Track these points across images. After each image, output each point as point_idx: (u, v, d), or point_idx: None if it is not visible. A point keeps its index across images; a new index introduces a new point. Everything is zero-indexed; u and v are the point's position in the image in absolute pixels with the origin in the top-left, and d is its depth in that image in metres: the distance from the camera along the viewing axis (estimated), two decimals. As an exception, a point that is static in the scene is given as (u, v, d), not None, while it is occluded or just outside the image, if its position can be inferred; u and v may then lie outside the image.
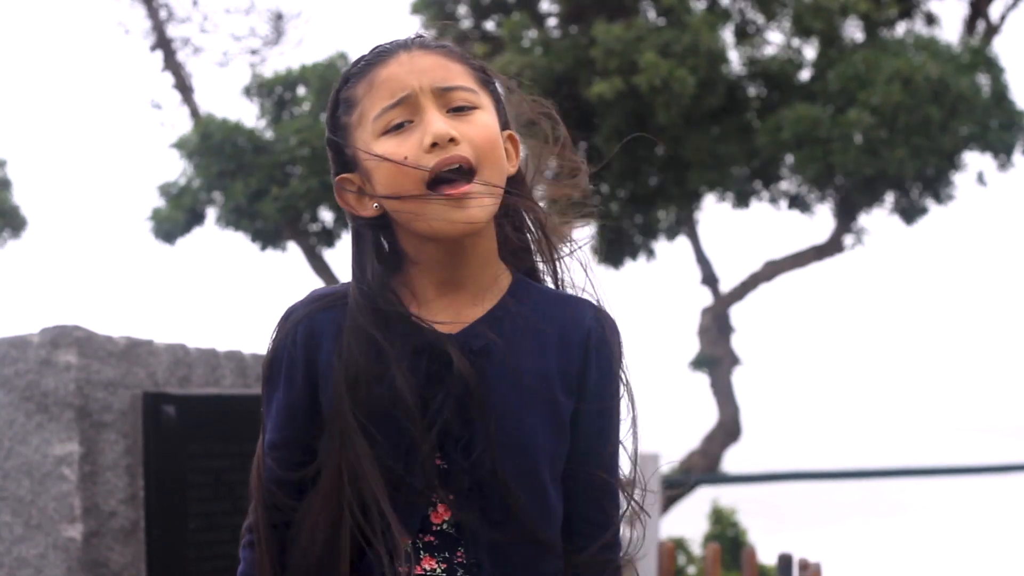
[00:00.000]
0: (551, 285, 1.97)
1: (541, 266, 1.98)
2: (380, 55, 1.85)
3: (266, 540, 1.90)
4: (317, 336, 1.86)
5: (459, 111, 1.82)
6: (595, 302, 1.93)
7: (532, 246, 1.97)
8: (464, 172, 1.79)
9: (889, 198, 12.03)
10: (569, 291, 1.96)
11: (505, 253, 1.93)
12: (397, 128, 1.81)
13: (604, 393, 1.89)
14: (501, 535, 1.81)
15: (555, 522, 1.87)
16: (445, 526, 1.83)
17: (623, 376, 1.93)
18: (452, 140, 1.78)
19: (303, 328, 1.87)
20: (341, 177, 1.88)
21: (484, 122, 1.83)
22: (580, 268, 1.97)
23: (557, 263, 1.97)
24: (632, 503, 1.96)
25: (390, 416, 1.79)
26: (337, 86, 1.90)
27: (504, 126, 1.91)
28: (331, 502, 1.81)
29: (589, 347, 1.88)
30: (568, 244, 1.98)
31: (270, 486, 1.88)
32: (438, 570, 1.83)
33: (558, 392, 1.85)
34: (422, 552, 1.83)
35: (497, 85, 1.93)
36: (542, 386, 1.84)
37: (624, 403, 1.94)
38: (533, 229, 1.96)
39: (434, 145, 1.78)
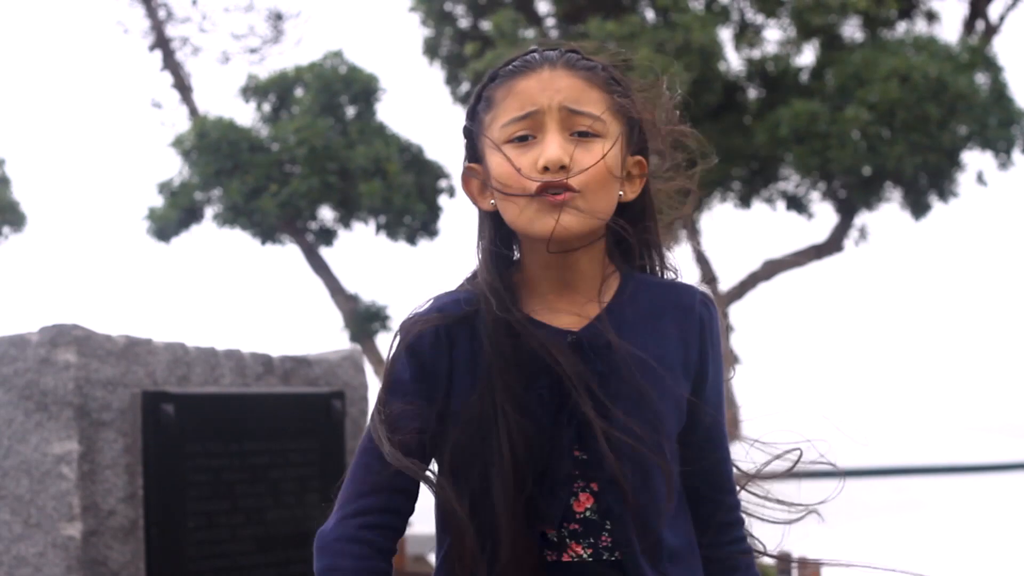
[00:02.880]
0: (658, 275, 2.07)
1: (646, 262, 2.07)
2: (527, 64, 1.94)
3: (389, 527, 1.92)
4: (443, 343, 1.93)
5: (582, 135, 1.89)
6: (697, 287, 2.03)
7: (642, 248, 2.05)
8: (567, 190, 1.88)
9: (895, 195, 12.03)
10: (683, 283, 2.04)
11: (615, 254, 2.01)
12: (520, 140, 1.89)
13: (719, 372, 2.01)
14: (643, 519, 1.89)
15: (684, 502, 1.98)
16: (588, 513, 1.90)
17: (730, 356, 2.03)
18: (563, 168, 1.86)
19: (430, 335, 1.93)
20: (469, 166, 1.98)
21: (603, 152, 1.89)
22: (678, 258, 2.07)
23: (664, 266, 2.06)
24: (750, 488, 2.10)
25: (530, 410, 1.87)
26: (484, 81, 1.98)
27: (638, 151, 1.99)
28: (509, 491, 1.86)
29: (704, 332, 1.97)
30: (674, 242, 2.10)
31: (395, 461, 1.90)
32: (584, 555, 1.90)
33: (679, 377, 1.94)
34: (568, 540, 1.90)
35: (637, 108, 2.00)
36: (666, 372, 1.92)
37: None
38: (647, 237, 2.04)
39: (546, 169, 1.86)
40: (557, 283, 1.94)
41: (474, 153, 1.99)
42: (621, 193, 1.95)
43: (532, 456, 1.86)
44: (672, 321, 1.96)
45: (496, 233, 1.96)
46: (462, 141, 2.04)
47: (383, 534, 1.89)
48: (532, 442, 1.86)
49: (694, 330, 1.97)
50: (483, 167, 1.95)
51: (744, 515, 2.08)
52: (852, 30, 11.87)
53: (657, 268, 2.05)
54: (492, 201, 1.93)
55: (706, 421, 1.98)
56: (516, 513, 1.86)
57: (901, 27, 12.16)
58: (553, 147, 1.86)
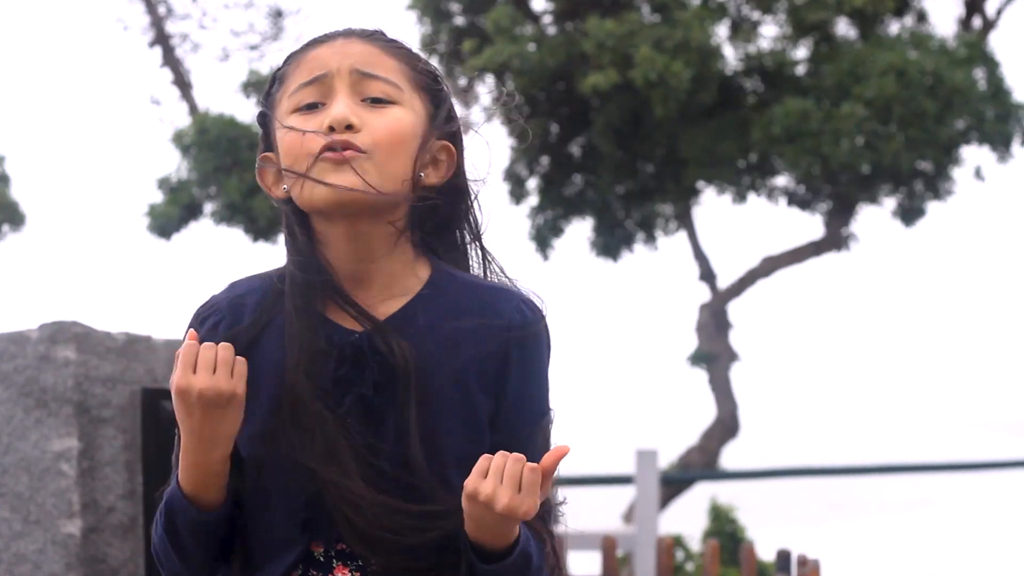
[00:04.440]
0: (480, 275, 1.92)
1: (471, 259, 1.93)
2: (320, 37, 1.85)
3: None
4: (239, 336, 1.84)
5: (375, 102, 1.79)
6: (522, 291, 1.88)
7: (460, 242, 1.92)
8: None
9: (888, 200, 12.04)
10: (499, 280, 1.91)
11: (423, 249, 1.88)
12: (309, 108, 1.79)
13: (525, 389, 1.84)
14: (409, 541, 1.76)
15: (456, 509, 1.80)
16: None
17: (545, 373, 1.87)
18: (350, 127, 1.76)
19: (224, 323, 1.86)
20: (264, 155, 1.88)
21: (396, 117, 1.79)
22: (501, 267, 1.92)
23: (488, 259, 1.92)
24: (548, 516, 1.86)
25: (296, 416, 1.78)
26: (279, 64, 1.89)
27: (445, 136, 1.86)
28: (262, 502, 1.80)
29: (510, 341, 1.82)
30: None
31: None
32: None
33: (475, 392, 1.80)
34: (335, 560, 1.80)
35: (447, 93, 1.88)
36: (455, 388, 1.79)
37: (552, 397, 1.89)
38: (465, 231, 1.92)
39: (332, 129, 1.76)
40: (352, 276, 1.82)
41: (268, 142, 1.87)
42: (422, 175, 1.82)
43: (311, 469, 1.75)
44: (474, 327, 1.81)
45: (295, 222, 1.85)
46: (258, 131, 1.91)
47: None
48: (316, 450, 1.75)
49: (498, 337, 1.81)
50: (275, 153, 1.84)
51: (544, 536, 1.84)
52: (847, 27, 11.87)
53: (478, 267, 1.91)
54: (285, 187, 1.83)
55: (498, 439, 1.80)
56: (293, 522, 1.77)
57: (895, 25, 12.16)
58: (340, 106, 1.76)
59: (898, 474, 14.32)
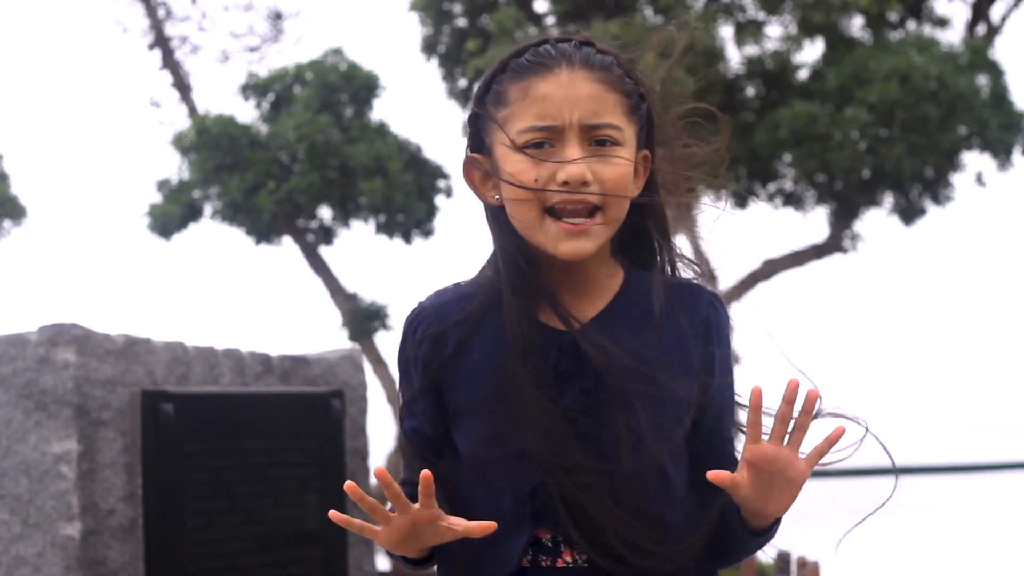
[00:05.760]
0: (669, 274, 2.03)
1: (659, 258, 2.03)
2: (543, 64, 1.89)
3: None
4: (440, 341, 1.93)
5: (600, 144, 1.87)
6: (707, 287, 2.01)
7: (654, 245, 2.02)
8: (587, 214, 1.86)
9: (888, 199, 12.03)
10: (689, 282, 2.02)
11: (619, 251, 1.98)
12: (538, 145, 1.86)
13: (726, 374, 1.97)
14: (629, 523, 1.85)
15: (681, 506, 1.91)
16: None
17: (735, 356, 2.01)
18: (585, 184, 1.84)
19: (432, 331, 1.94)
20: (472, 156, 1.95)
21: (622, 165, 1.87)
22: (695, 257, 2.06)
23: (675, 258, 2.03)
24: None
25: (520, 413, 1.86)
26: (492, 70, 1.95)
27: (646, 144, 1.95)
28: (498, 496, 1.88)
29: (709, 333, 1.94)
30: (692, 232, 2.10)
31: (419, 463, 1.94)
32: (579, 561, 1.88)
33: (680, 380, 1.90)
34: (562, 545, 1.88)
35: (650, 100, 1.96)
36: (663, 377, 1.89)
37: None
38: (655, 233, 2.02)
39: (565, 183, 1.83)
40: (558, 283, 1.92)
41: (478, 143, 1.95)
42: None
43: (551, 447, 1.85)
44: (675, 322, 1.92)
45: (509, 227, 1.93)
46: (467, 129, 2.00)
47: None
48: (554, 430, 1.85)
49: (698, 331, 1.93)
50: (488, 159, 1.93)
51: None
52: (855, 29, 11.86)
53: (667, 265, 2.02)
54: (497, 197, 1.92)
55: (707, 424, 1.95)
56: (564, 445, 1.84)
57: (907, 28, 12.15)
58: (576, 163, 1.84)
59: (899, 476, 14.29)
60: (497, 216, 1.94)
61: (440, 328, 1.93)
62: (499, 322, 1.90)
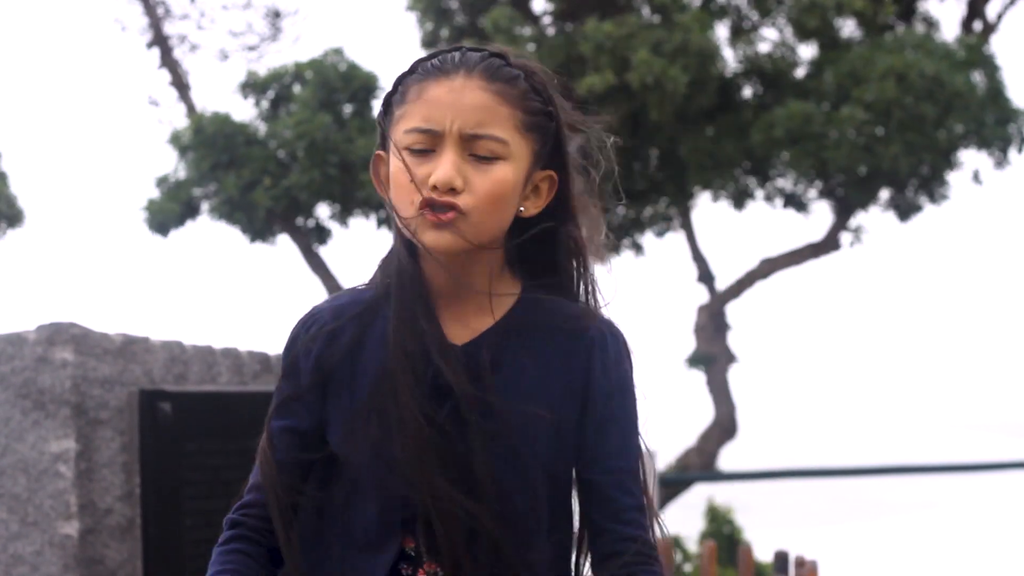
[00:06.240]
0: (579, 299, 2.00)
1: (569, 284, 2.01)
2: (443, 69, 1.89)
3: (284, 524, 1.95)
4: (335, 341, 1.93)
5: (480, 160, 1.86)
6: (603, 315, 1.97)
7: (562, 266, 1.99)
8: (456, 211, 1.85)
9: (885, 197, 12.04)
10: (583, 307, 1.98)
11: (521, 270, 1.97)
12: (420, 152, 1.86)
13: (612, 403, 1.92)
14: (495, 543, 1.86)
15: (550, 532, 1.91)
16: None
17: (631, 385, 1.95)
18: (452, 190, 1.84)
19: (326, 331, 1.94)
20: (378, 154, 1.96)
21: (499, 177, 1.86)
22: (600, 288, 2.01)
23: (588, 283, 2.00)
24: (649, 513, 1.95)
25: (402, 424, 1.86)
26: (406, 70, 1.95)
27: (550, 164, 1.93)
28: (366, 503, 1.88)
29: (592, 355, 1.91)
30: (599, 263, 2.03)
31: (282, 467, 1.96)
32: (439, 573, 1.88)
33: (561, 404, 1.89)
34: (424, 557, 1.89)
35: (560, 118, 1.95)
36: (545, 399, 1.88)
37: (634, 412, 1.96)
38: (567, 254, 1.99)
39: (435, 187, 1.83)
40: (447, 290, 1.92)
41: (385, 143, 1.95)
42: (522, 209, 1.91)
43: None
44: (560, 345, 1.91)
45: (400, 231, 1.92)
46: (377, 127, 2.00)
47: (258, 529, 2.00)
48: (425, 442, 1.84)
49: (583, 353, 1.91)
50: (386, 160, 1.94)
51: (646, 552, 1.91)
52: (849, 30, 11.86)
53: (578, 289, 1.99)
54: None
55: (588, 453, 1.91)
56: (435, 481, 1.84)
57: (898, 30, 12.15)
58: (446, 167, 1.84)
59: (897, 475, 14.33)
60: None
61: (336, 324, 1.93)
62: (387, 327, 1.90)
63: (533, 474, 1.87)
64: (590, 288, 2.00)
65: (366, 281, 1.99)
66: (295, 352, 1.96)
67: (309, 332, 1.95)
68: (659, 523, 1.95)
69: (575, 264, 1.99)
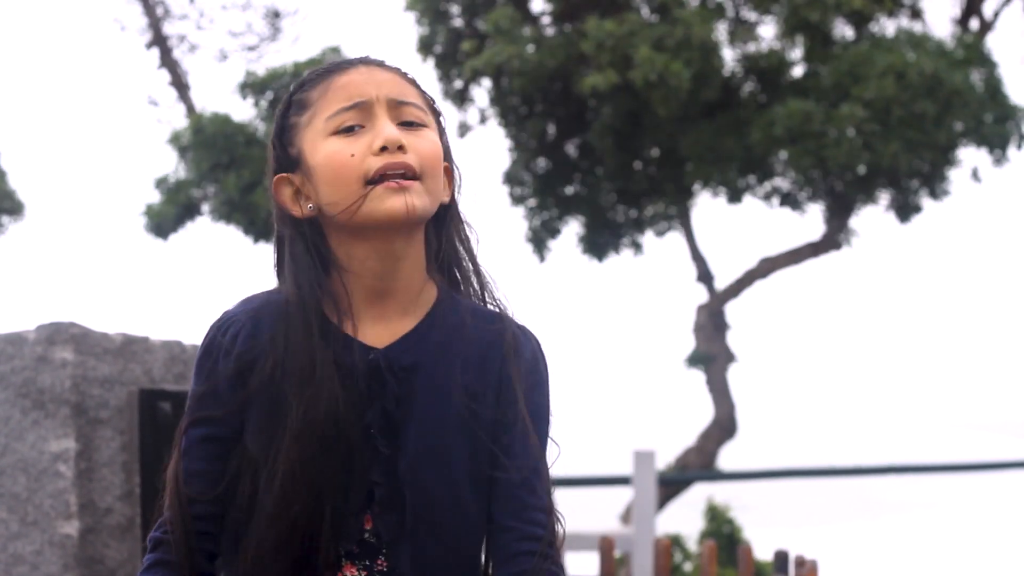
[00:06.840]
0: (478, 301, 2.02)
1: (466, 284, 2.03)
2: (339, 65, 1.94)
3: (187, 548, 1.90)
4: (255, 342, 1.91)
5: (409, 125, 1.90)
6: (516, 320, 2.00)
7: (460, 265, 2.02)
8: (407, 177, 1.87)
9: (884, 196, 12.04)
10: (493, 308, 2.01)
11: (432, 268, 1.99)
12: (348, 130, 1.88)
13: (520, 401, 1.93)
14: (421, 545, 1.88)
15: (475, 534, 1.93)
16: (367, 535, 1.89)
17: (545, 388, 1.97)
18: (401, 147, 1.86)
19: (244, 333, 1.92)
20: (280, 176, 1.94)
21: (431, 139, 1.92)
22: (500, 290, 2.03)
23: (486, 283, 2.03)
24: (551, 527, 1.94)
25: (326, 427, 1.85)
26: (291, 90, 1.97)
27: (445, 156, 1.98)
28: (286, 508, 1.86)
29: (507, 358, 1.93)
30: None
31: (191, 483, 1.92)
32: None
33: (480, 406, 1.91)
34: (343, 560, 1.89)
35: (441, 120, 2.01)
36: (465, 400, 1.90)
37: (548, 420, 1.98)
38: (463, 253, 2.02)
39: (383, 149, 1.86)
40: (372, 292, 1.91)
41: (284, 163, 1.94)
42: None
43: (329, 480, 1.84)
44: (482, 347, 1.93)
45: (311, 240, 1.91)
46: (269, 154, 1.99)
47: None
48: (329, 462, 1.84)
49: (499, 356, 1.93)
50: (300, 174, 1.91)
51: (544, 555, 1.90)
52: (845, 27, 11.86)
53: (475, 288, 2.02)
54: (311, 206, 1.90)
55: (503, 449, 1.91)
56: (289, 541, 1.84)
57: (890, 26, 12.15)
58: (390, 128, 1.86)
59: (896, 475, 14.34)
60: (304, 232, 1.92)
61: (253, 326, 1.91)
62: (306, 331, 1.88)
63: (456, 475, 1.89)
64: (486, 288, 2.02)
65: (275, 285, 1.98)
66: (214, 355, 1.92)
67: (227, 335, 1.93)
68: (561, 523, 1.95)
69: (471, 264, 2.02)
